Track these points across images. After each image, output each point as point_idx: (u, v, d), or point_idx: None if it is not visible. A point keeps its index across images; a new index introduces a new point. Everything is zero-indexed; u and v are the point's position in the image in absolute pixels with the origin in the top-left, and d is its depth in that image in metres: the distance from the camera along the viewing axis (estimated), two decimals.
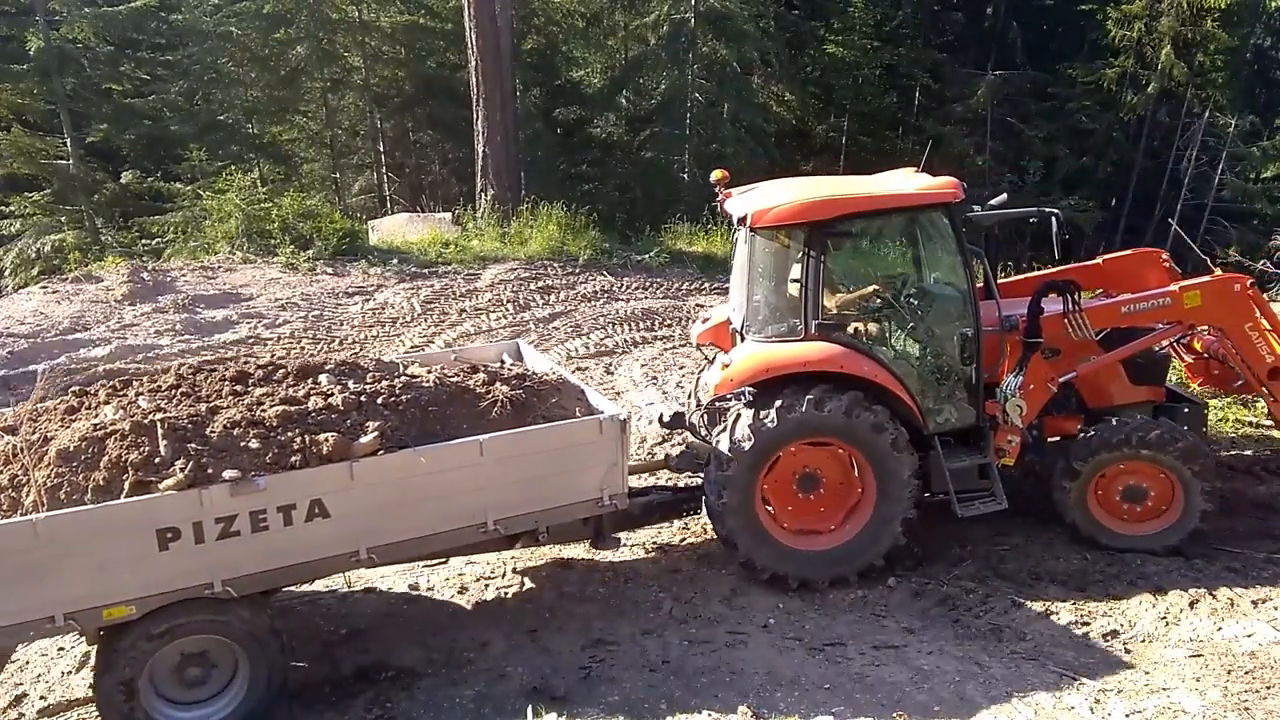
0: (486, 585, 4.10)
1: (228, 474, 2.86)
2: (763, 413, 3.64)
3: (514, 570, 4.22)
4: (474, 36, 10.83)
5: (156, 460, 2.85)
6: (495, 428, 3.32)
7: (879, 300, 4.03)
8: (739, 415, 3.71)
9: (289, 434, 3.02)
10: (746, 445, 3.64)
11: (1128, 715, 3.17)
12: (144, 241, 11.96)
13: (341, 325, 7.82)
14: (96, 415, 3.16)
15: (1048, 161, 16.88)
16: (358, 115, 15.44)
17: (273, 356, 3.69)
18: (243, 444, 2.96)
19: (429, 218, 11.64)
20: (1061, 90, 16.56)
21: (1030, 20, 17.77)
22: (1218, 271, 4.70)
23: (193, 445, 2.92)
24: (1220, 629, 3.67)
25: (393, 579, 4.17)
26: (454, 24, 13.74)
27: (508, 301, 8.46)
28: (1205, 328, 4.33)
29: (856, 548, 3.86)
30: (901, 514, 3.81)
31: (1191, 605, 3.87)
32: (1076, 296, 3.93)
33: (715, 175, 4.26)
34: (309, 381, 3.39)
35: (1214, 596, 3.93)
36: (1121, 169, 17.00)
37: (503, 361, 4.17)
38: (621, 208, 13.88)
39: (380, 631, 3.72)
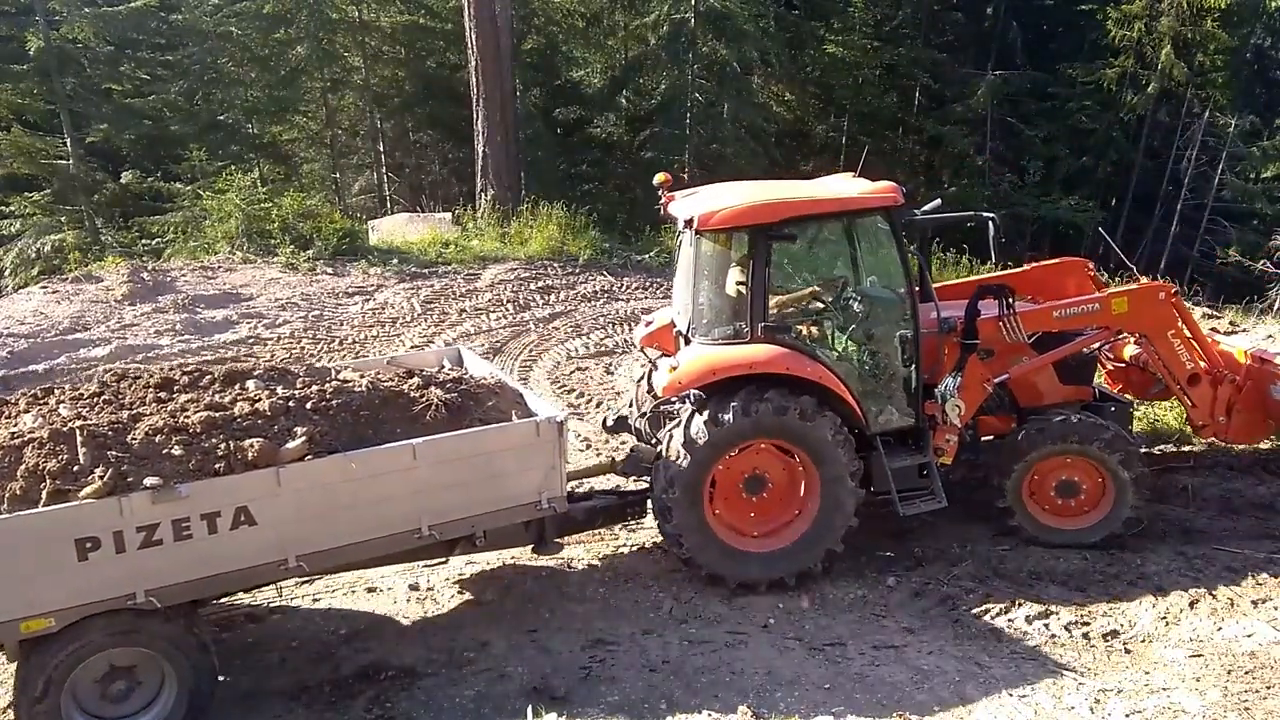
0: (486, 585, 4.10)
1: (149, 481, 2.79)
2: (710, 415, 3.65)
3: (514, 570, 4.22)
4: (474, 36, 10.84)
5: (75, 468, 2.78)
6: (430, 432, 3.28)
7: (822, 302, 4.10)
8: (686, 418, 3.72)
9: (213, 440, 2.96)
10: (694, 448, 3.65)
11: (1128, 715, 3.17)
12: (144, 241, 11.97)
13: (341, 325, 7.82)
14: (15, 424, 3.09)
15: (1048, 161, 16.89)
16: (358, 115, 15.43)
17: (199, 363, 3.59)
18: (165, 451, 2.89)
19: (429, 218, 11.64)
20: (1061, 90, 16.56)
21: (1030, 20, 17.77)
22: (1144, 280, 4.91)
23: (113, 453, 2.84)
24: (1220, 629, 3.68)
25: (393, 579, 4.17)
26: (454, 24, 13.74)
27: (508, 301, 8.47)
28: (1130, 333, 4.50)
29: (802, 548, 3.88)
30: (845, 513, 3.86)
31: (1191, 605, 3.88)
32: (1011, 300, 4.03)
33: (658, 178, 4.27)
34: (236, 387, 3.34)
35: (1214, 596, 3.93)
36: (1121, 169, 17.01)
37: (442, 366, 4.11)
38: (621, 208, 13.88)
39: (380, 631, 3.72)
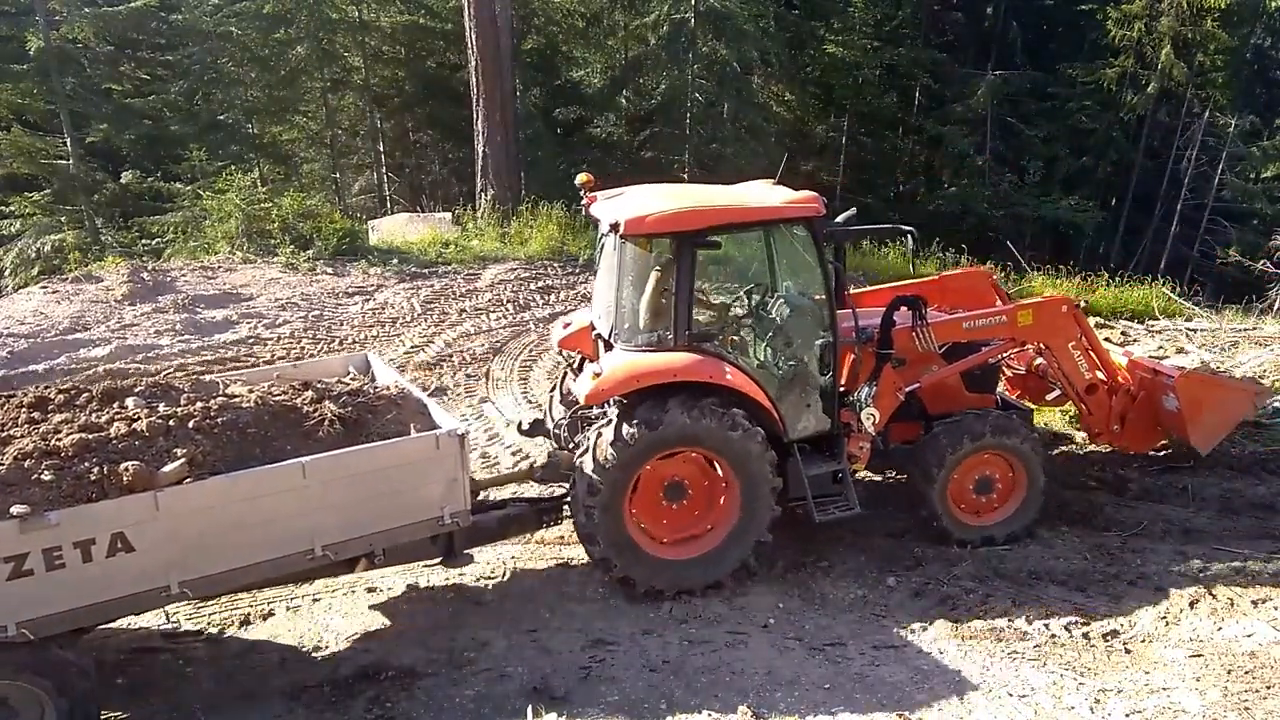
0: (486, 585, 4.10)
1: (16, 509, 2.67)
2: (630, 424, 3.63)
3: (514, 570, 4.22)
4: (474, 36, 10.83)
5: None
6: (324, 448, 3.18)
7: (743, 310, 4.11)
8: (608, 425, 3.69)
9: (86, 464, 2.84)
10: (615, 456, 3.62)
11: (1128, 715, 3.17)
12: (144, 241, 11.96)
13: (341, 325, 7.81)
14: None
15: (1048, 161, 16.90)
16: (358, 115, 15.42)
17: (76, 382, 3.52)
18: (34, 476, 2.77)
19: (429, 218, 11.63)
20: (1061, 90, 16.56)
21: (1030, 20, 17.77)
22: (1048, 294, 5.17)
23: None
24: (1220, 629, 3.68)
25: (393, 579, 4.17)
26: (454, 24, 13.73)
27: (508, 301, 8.46)
28: (1033, 344, 4.64)
29: (719, 555, 3.87)
30: (762, 522, 3.86)
31: (1191, 605, 3.88)
32: (924, 312, 4.11)
33: (580, 179, 4.25)
34: (114, 406, 3.21)
35: (1214, 596, 3.94)
36: (1121, 169, 17.01)
37: (349, 374, 4.01)
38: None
39: (380, 631, 3.72)
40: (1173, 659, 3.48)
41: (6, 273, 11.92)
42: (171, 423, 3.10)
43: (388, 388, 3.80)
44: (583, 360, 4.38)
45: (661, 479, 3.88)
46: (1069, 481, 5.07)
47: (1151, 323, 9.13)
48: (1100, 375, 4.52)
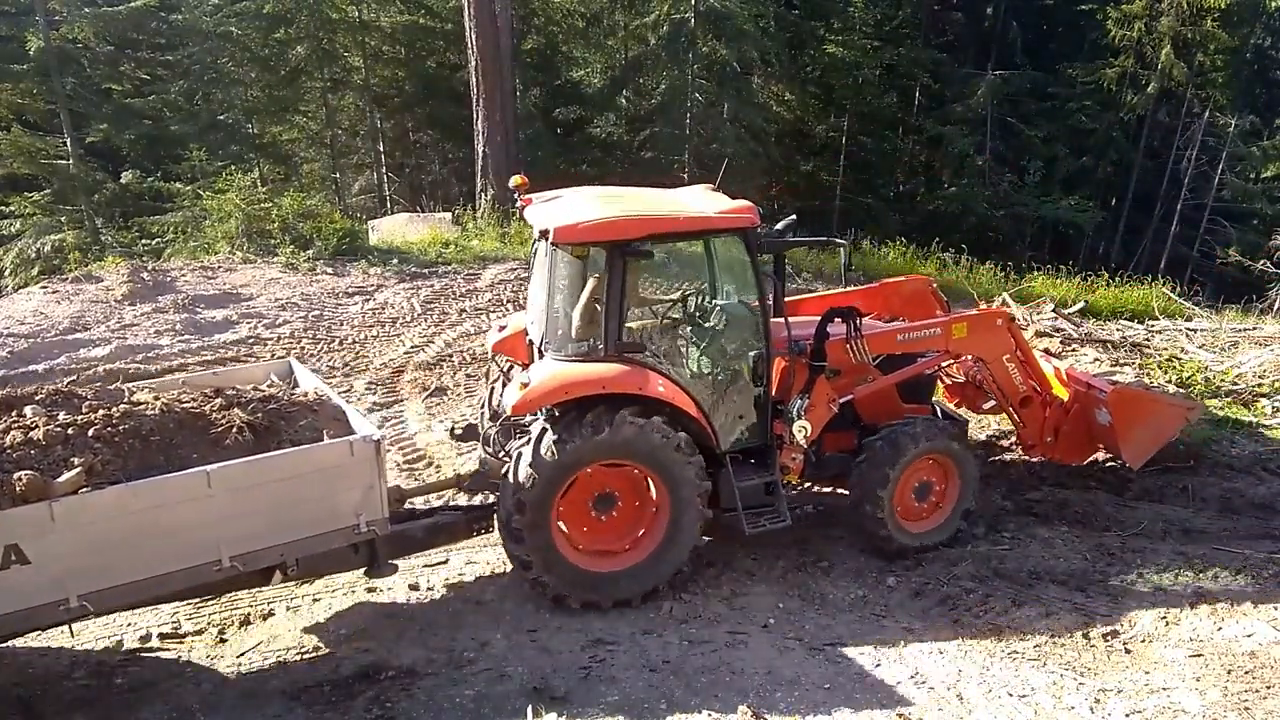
0: (486, 585, 4.10)
1: None
2: (560, 434, 3.58)
3: (513, 571, 4.21)
4: (474, 36, 10.83)
5: None
6: (233, 456, 3.11)
7: (676, 321, 4.04)
8: (536, 436, 3.64)
9: None
10: (542, 467, 3.57)
11: (1128, 715, 3.17)
12: (144, 241, 11.96)
13: (341, 325, 7.81)
14: None
15: (1048, 161, 16.91)
16: (358, 115, 15.44)
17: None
18: None
19: (429, 218, 11.64)
20: (1061, 90, 16.58)
21: (1030, 20, 17.79)
22: (983, 306, 5.20)
23: None
24: (1220, 629, 3.68)
25: (393, 579, 4.16)
26: (454, 24, 13.74)
27: (508, 301, 8.46)
28: (968, 356, 4.64)
29: (651, 566, 3.81)
30: (693, 533, 3.82)
31: (1191, 605, 3.88)
32: (858, 323, 4.09)
33: (514, 181, 4.19)
34: (12, 414, 3.12)
35: (1214, 596, 3.93)
36: (1121, 169, 17.03)
37: (269, 380, 3.92)
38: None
39: (380, 631, 3.71)
40: (1173, 659, 3.48)
41: (6, 273, 11.92)
42: (70, 430, 2.99)
43: (306, 394, 3.69)
44: (512, 366, 4.32)
45: (591, 490, 3.81)
46: (1069, 482, 5.07)
47: (1151, 323, 9.14)
48: (1035, 388, 4.51)
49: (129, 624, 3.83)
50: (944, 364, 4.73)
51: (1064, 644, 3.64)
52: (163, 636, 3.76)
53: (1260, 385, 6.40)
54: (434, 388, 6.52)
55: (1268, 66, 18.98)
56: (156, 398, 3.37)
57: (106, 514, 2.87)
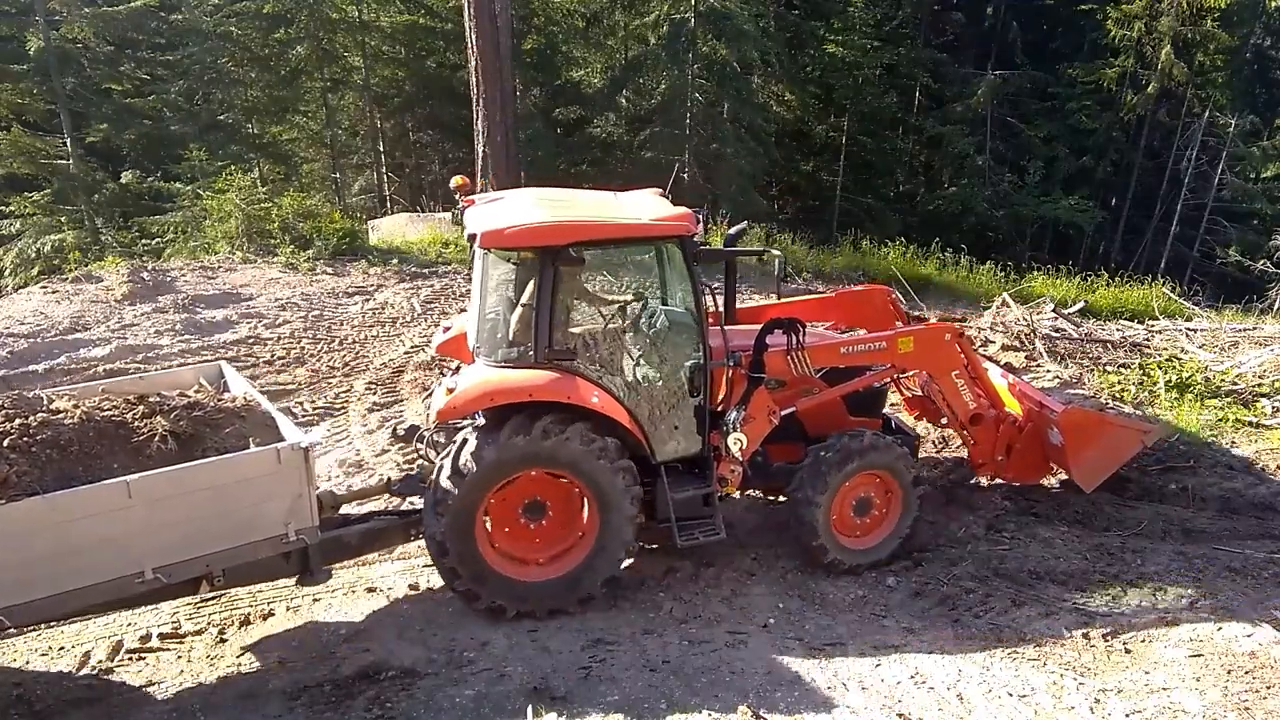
0: None
1: None
2: (482, 443, 3.52)
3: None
4: (474, 36, 10.82)
5: None
6: (156, 465, 3.04)
7: (611, 328, 3.95)
8: (459, 445, 3.59)
9: None
10: (467, 475, 3.51)
11: (1128, 715, 3.17)
12: (144, 241, 11.98)
13: (341, 325, 7.81)
14: None
15: (1048, 161, 16.92)
16: (358, 115, 15.44)
17: None
18: None
19: (429, 217, 11.63)
20: (1061, 90, 16.59)
21: (1030, 20, 17.80)
22: (931, 321, 5.08)
23: None
24: (1220, 629, 3.68)
25: (393, 579, 4.16)
26: (454, 24, 13.74)
27: None
28: (917, 371, 4.58)
29: (581, 575, 3.74)
30: (624, 541, 3.74)
31: (1191, 605, 3.88)
32: (800, 336, 4.00)
33: (455, 182, 4.12)
34: None
35: (1214, 596, 3.94)
36: (1121, 169, 17.04)
37: (196, 386, 3.83)
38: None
39: (380, 631, 3.71)
40: (1173, 659, 3.48)
41: (6, 273, 11.93)
42: None
43: (235, 399, 3.62)
44: (459, 368, 4.25)
45: (522, 498, 3.75)
46: (1069, 482, 5.09)
47: (1151, 322, 9.14)
48: (987, 404, 4.41)
49: (129, 624, 3.83)
50: (894, 378, 4.66)
51: (1064, 644, 3.64)
52: (163, 636, 3.75)
53: (1260, 385, 6.40)
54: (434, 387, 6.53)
55: (1267, 66, 18.99)
56: (76, 406, 3.28)
57: (22, 527, 2.80)
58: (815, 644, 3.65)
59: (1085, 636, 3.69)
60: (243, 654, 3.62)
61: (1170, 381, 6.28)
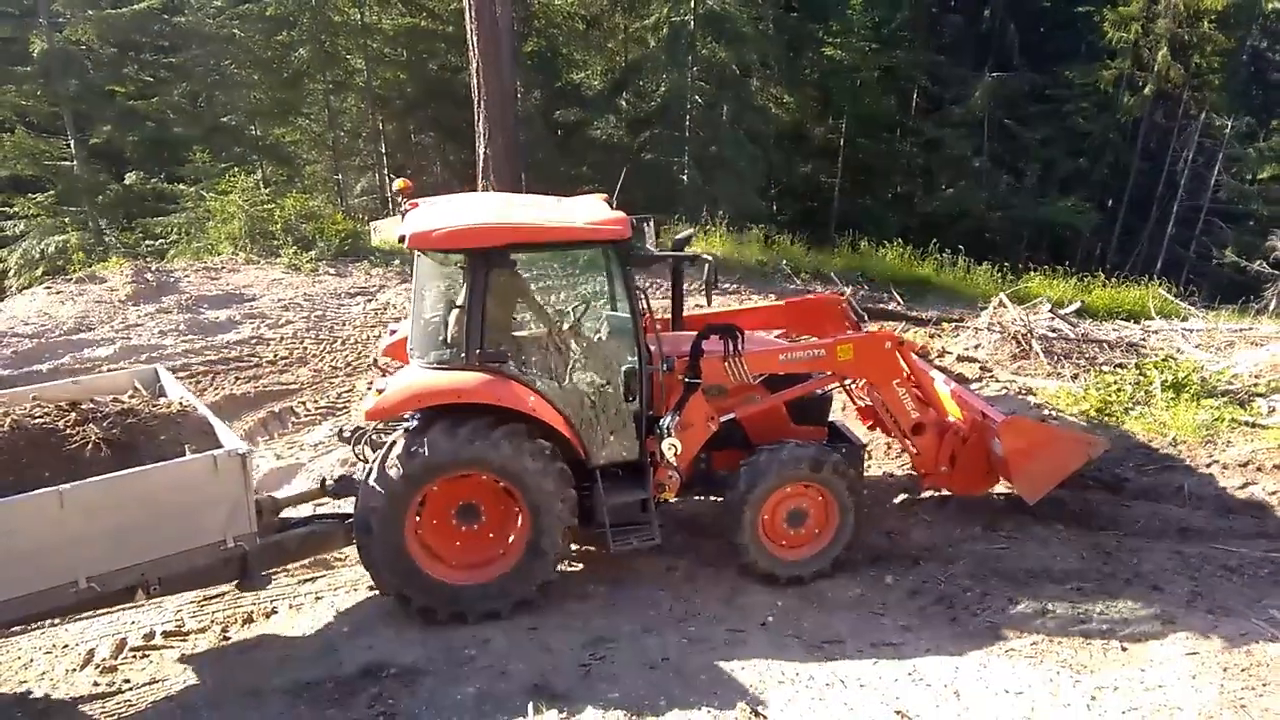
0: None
1: None
2: (416, 443, 3.49)
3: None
4: (475, 39, 10.87)
5: None
6: (90, 473, 3.00)
7: (546, 332, 3.93)
8: (387, 447, 3.57)
9: None
10: (395, 476, 3.49)
11: (1124, 712, 3.20)
12: (148, 242, 12.00)
13: (344, 325, 7.85)
14: None
15: (1045, 163, 16.98)
16: (360, 117, 15.48)
17: None
18: None
19: None
20: (1059, 92, 16.64)
21: (1027, 22, 17.86)
22: (871, 329, 5.01)
23: None
24: (1216, 627, 3.70)
25: None
26: (455, 27, 13.78)
27: None
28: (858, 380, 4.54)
29: (514, 579, 3.72)
30: (556, 544, 3.72)
31: (1188, 603, 3.90)
32: (738, 342, 3.97)
33: (397, 185, 4.14)
34: None
35: (1210, 595, 3.96)
36: (1118, 170, 17.08)
37: (131, 391, 3.77)
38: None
39: (382, 629, 3.73)
40: (1169, 657, 3.50)
41: (11, 273, 11.97)
42: None
43: (171, 405, 3.58)
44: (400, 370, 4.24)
45: (455, 500, 3.72)
46: (1067, 481, 5.11)
47: (1148, 323, 9.18)
48: (931, 414, 4.35)
49: (133, 622, 3.86)
50: (844, 386, 4.65)
51: (1061, 642, 3.66)
52: (166, 634, 3.78)
53: (1256, 385, 6.42)
54: None
55: (1264, 68, 19.05)
56: (6, 414, 3.24)
57: None
58: (813, 642, 3.67)
59: (1082, 634, 3.71)
60: (246, 651, 3.64)
61: (1166, 381, 6.30)
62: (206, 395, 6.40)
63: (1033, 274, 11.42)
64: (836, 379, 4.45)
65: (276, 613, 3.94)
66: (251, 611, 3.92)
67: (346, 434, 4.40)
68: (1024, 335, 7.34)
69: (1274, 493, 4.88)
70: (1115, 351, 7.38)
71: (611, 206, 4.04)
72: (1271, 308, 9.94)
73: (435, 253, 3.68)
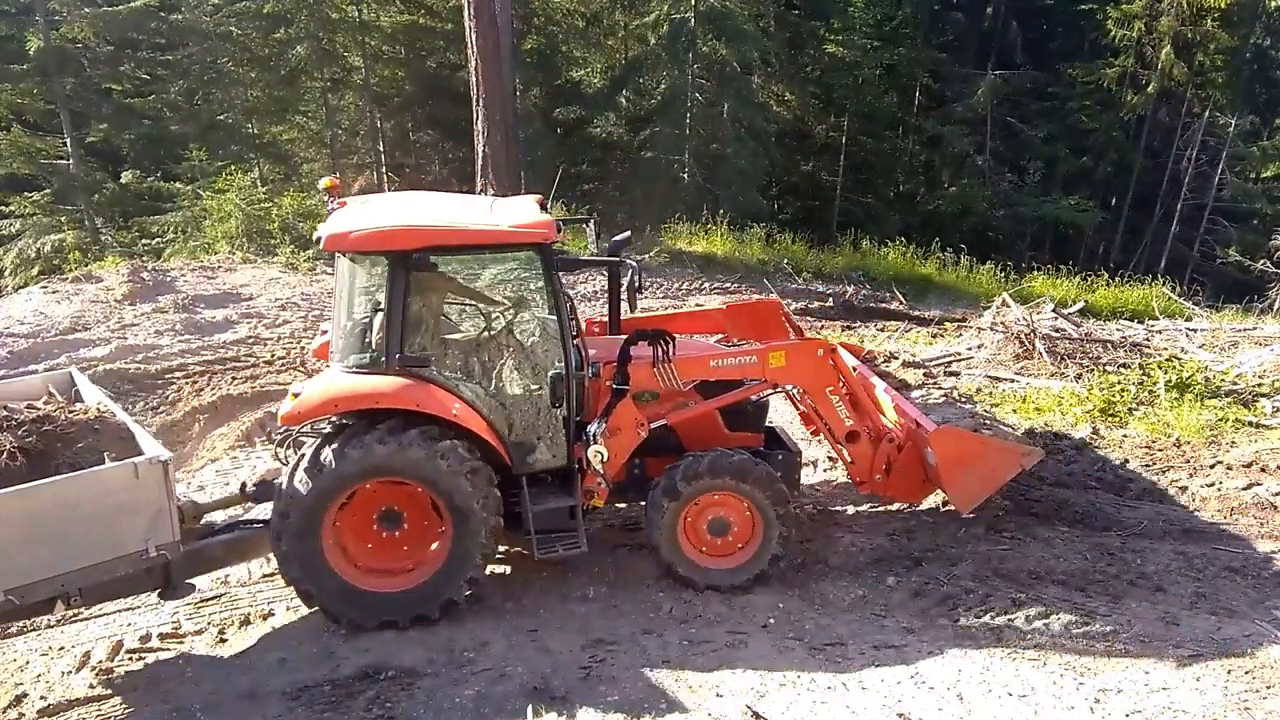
0: (486, 585, 4.07)
1: None
2: (333, 448, 3.44)
3: (514, 570, 4.22)
4: (474, 36, 10.83)
5: None
6: (5, 484, 2.95)
7: (470, 335, 3.88)
8: (302, 452, 3.53)
9: None
10: (309, 483, 3.44)
11: (1128, 715, 3.18)
12: (144, 241, 11.98)
13: None
14: None
15: (1048, 161, 16.95)
16: (358, 115, 15.43)
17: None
18: None
19: None
20: (1061, 90, 16.61)
21: (1030, 20, 17.82)
22: (806, 336, 5.01)
23: None
24: (1220, 629, 3.68)
25: None
26: (454, 24, 13.74)
27: None
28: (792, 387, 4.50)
29: (437, 585, 3.64)
30: (478, 552, 3.65)
31: (1191, 605, 3.89)
32: (667, 347, 3.92)
33: (323, 183, 4.01)
34: None
35: (1214, 596, 3.94)
36: (1121, 169, 17.05)
37: (45, 396, 3.70)
38: (621, 207, 13.89)
39: (380, 631, 3.70)
40: (1173, 658, 3.49)
41: (6, 273, 11.92)
42: None
43: (88, 410, 3.50)
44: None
45: (376, 506, 3.67)
46: (1069, 481, 5.07)
47: (1151, 322, 9.15)
48: (867, 422, 4.29)
49: (129, 624, 3.84)
50: (787, 394, 4.59)
51: (1064, 643, 3.64)
52: (163, 637, 3.75)
53: (1260, 385, 6.41)
54: None
55: (1267, 66, 18.98)
56: None
57: None
58: (815, 644, 3.65)
59: (1085, 636, 3.69)
60: (243, 654, 3.62)
61: (1170, 381, 6.28)
62: (204, 395, 6.39)
63: (1036, 273, 11.39)
64: (768, 386, 4.37)
65: (274, 614, 3.91)
66: (249, 614, 3.90)
67: (275, 438, 4.27)
68: (1027, 335, 7.32)
69: (1278, 493, 4.86)
70: (1119, 351, 7.36)
71: (544, 209, 3.96)
72: (1276, 307, 9.91)
73: (352, 254, 3.61)
